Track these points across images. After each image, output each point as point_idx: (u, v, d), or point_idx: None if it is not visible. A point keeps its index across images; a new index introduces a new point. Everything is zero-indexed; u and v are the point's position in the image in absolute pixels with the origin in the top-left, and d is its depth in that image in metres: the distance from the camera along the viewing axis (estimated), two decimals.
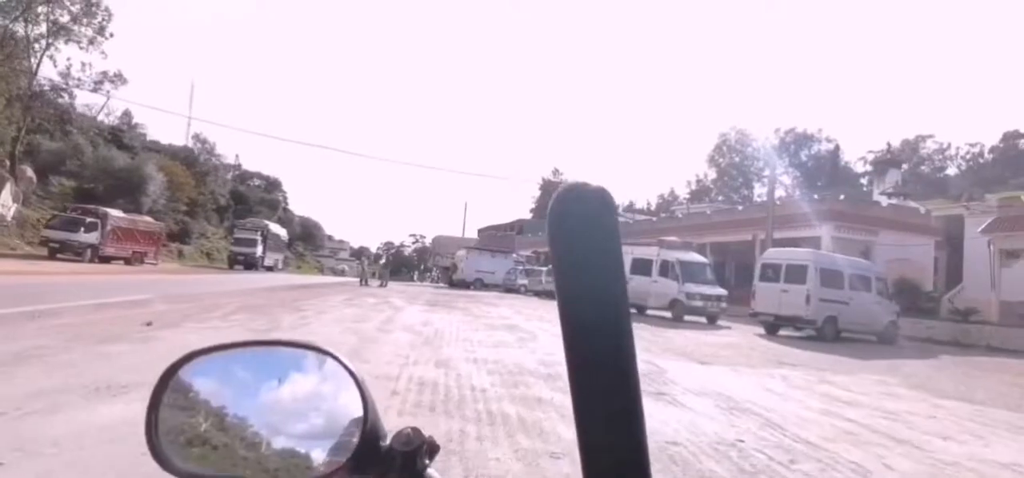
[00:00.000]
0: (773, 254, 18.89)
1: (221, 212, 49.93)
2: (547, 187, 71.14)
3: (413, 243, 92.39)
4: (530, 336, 11.45)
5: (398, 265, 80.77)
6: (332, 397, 0.55)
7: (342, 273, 62.79)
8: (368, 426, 0.52)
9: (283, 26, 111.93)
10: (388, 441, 0.53)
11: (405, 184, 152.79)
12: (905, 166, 42.76)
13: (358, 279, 32.38)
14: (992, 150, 59.43)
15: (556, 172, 74.71)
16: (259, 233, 41.32)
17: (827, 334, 16.78)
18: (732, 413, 6.17)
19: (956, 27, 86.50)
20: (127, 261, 30.00)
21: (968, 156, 62.13)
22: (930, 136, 62.84)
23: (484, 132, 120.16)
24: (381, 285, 30.77)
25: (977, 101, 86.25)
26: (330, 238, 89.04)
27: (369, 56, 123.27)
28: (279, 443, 0.53)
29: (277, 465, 0.52)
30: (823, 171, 61.01)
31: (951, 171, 61.51)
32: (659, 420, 5.51)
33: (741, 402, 6.77)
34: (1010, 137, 58.25)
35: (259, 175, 67.65)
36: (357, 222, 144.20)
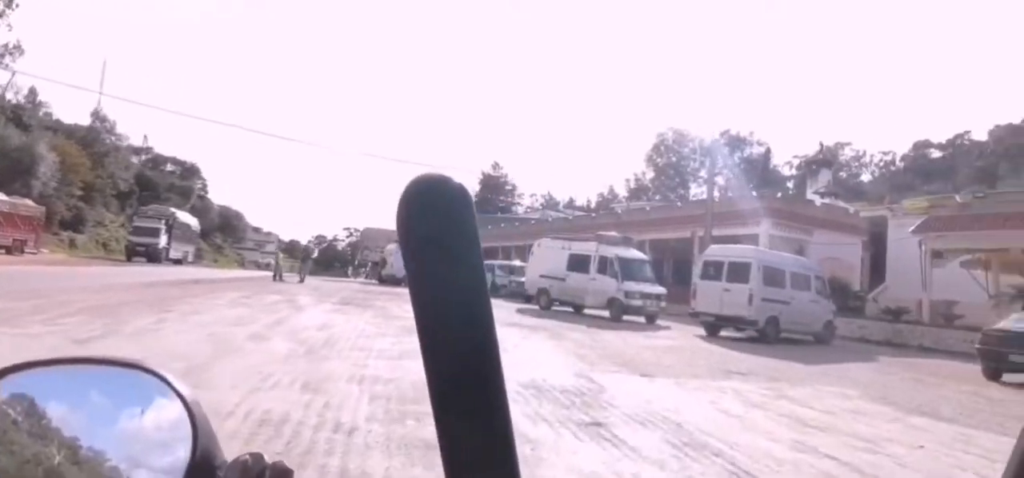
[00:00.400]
0: (715, 251, 17.89)
1: (122, 198, 45.50)
2: (487, 181, 69.56)
3: (347, 237, 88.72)
4: None
5: (331, 260, 77.32)
6: (168, 424, 0.48)
7: (268, 267, 58.93)
8: (198, 455, 0.46)
9: (212, 5, 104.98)
10: (223, 472, 0.47)
11: (341, 176, 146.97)
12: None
13: (274, 274, 29.68)
14: (903, 158, 62.08)
15: (496, 166, 73.20)
16: (163, 222, 37.56)
17: (769, 335, 15.95)
18: (687, 453, 4.71)
19: (872, 39, 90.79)
20: (8, 250, 26.58)
21: (881, 164, 64.68)
22: (848, 143, 64.83)
23: (423, 124, 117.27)
24: (300, 280, 28.34)
25: (890, 111, 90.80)
26: (257, 230, 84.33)
27: (304, 41, 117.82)
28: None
29: None
30: (755, 173, 62.22)
31: (865, 177, 63.87)
32: (591, 474, 3.96)
33: (695, 433, 5.33)
34: (920, 146, 61.09)
35: (174, 160, 62.92)
36: (289, 215, 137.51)
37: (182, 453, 0.47)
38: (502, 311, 17.26)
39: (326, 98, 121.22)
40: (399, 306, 16.43)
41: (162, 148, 61.77)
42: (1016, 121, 49.69)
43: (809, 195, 31.03)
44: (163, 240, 37.02)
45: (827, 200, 29.78)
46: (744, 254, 17.06)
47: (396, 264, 35.14)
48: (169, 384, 0.49)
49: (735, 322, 16.40)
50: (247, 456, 0.46)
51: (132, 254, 35.45)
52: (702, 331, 16.89)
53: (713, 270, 17.03)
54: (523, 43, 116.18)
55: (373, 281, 38.12)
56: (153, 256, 35.47)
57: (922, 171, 54.69)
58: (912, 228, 21.19)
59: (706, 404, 6.72)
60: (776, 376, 9.54)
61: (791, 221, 25.48)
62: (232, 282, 22.02)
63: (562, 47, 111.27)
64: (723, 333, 16.63)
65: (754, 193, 29.64)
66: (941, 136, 59.87)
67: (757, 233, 23.94)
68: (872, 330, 20.70)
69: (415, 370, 7.11)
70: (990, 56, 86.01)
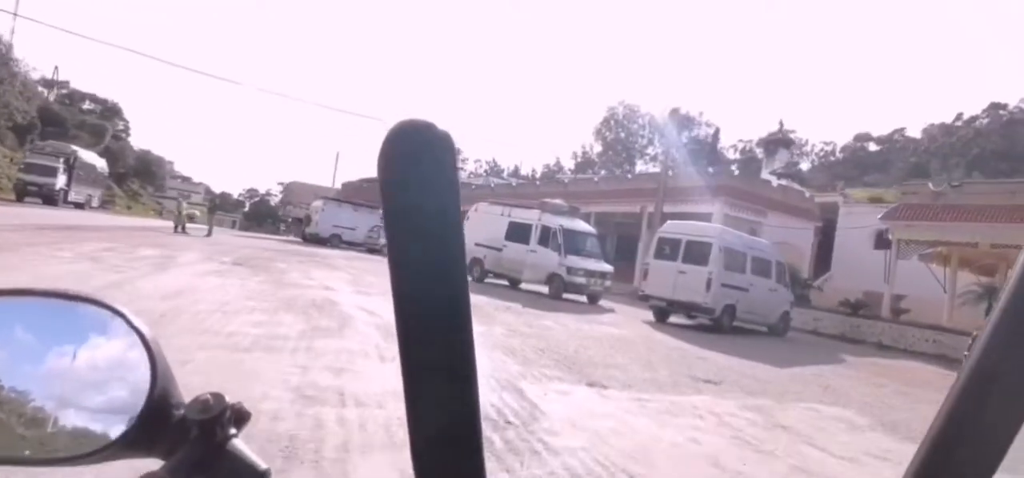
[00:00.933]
0: (672, 228, 15.97)
1: (21, 133, 40.55)
2: None
3: (281, 192, 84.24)
4: (339, 324, 7.44)
5: (263, 216, 73.12)
6: (124, 362, 0.46)
7: (191, 219, 54.29)
8: (157, 393, 0.44)
9: None
10: (183, 410, 0.45)
11: (279, 130, 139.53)
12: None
13: (175, 225, 26.40)
14: (843, 149, 62.82)
15: None
16: (62, 160, 33.26)
17: (724, 325, 14.33)
18: None
19: (821, 29, 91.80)
20: None
21: (821, 153, 65.24)
22: (792, 131, 64.96)
23: (368, 78, 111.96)
24: (207, 234, 25.29)
25: (835, 102, 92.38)
26: (186, 179, 78.65)
27: None
28: (69, 419, 0.45)
29: (65, 444, 0.44)
30: (703, 154, 61.53)
31: (804, 165, 64.32)
32: None
33: None
34: (861, 138, 61.98)
35: (93, 97, 57.35)
36: (223, 166, 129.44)
37: (138, 392, 0.44)
38: None
39: (265, 45, 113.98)
40: (304, 272, 13.87)
41: (81, 84, 56.11)
42: (948, 121, 51.14)
43: (765, 175, 29.85)
44: (61, 180, 32.82)
45: (783, 182, 28.65)
46: (705, 233, 15.25)
47: (322, 222, 32.14)
48: (127, 320, 0.46)
49: (688, 308, 14.67)
50: (208, 395, 0.45)
51: (23, 194, 31.22)
52: (649, 316, 15.14)
53: (669, 249, 15.20)
54: (477, 5, 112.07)
55: (297, 239, 34.98)
56: (49, 198, 31.41)
57: (860, 163, 55.38)
58: (880, 215, 20.04)
59: (684, 443, 4.68)
60: (752, 386, 7.68)
61: (746, 201, 24.07)
62: (119, 231, 18.78)
63: (516, 13, 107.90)
64: (672, 319, 14.93)
65: (710, 170, 28.18)
66: (880, 130, 60.79)
67: (710, 212, 22.43)
68: (826, 322, 19.55)
69: (258, 371, 4.80)
70: (928, 56, 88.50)
